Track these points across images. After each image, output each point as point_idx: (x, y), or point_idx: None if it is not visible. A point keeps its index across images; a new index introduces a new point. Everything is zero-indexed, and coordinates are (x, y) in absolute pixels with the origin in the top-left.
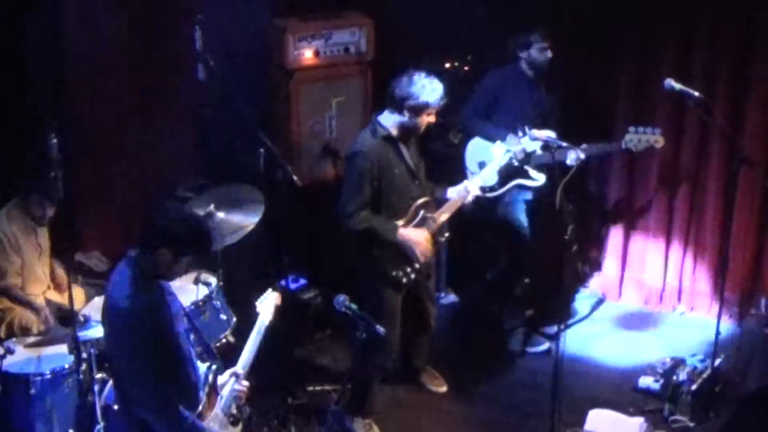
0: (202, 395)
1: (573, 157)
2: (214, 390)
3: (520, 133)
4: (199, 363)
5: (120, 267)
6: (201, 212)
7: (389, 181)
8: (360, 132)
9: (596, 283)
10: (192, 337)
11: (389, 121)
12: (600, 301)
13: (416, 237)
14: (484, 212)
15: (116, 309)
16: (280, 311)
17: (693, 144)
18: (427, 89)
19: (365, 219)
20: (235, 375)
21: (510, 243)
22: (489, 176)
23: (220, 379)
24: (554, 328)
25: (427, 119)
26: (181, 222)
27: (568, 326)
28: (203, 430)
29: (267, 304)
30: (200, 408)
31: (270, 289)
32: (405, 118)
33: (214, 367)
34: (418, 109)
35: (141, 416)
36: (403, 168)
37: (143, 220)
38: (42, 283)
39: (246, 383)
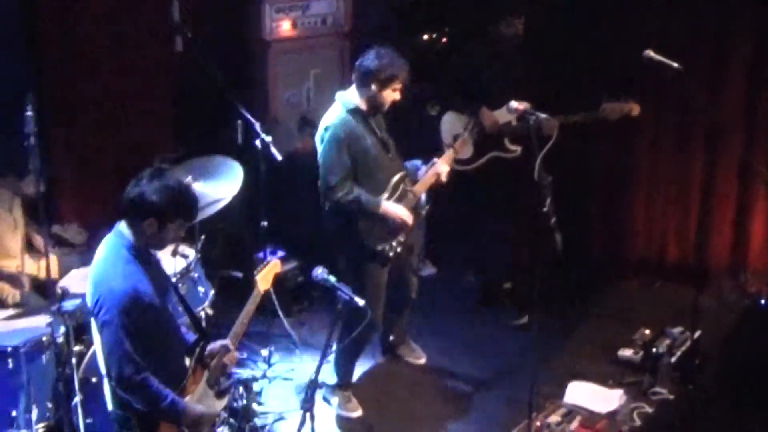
0: (188, 368)
1: (550, 126)
2: (200, 363)
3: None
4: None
5: (108, 239)
6: None
7: (363, 154)
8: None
9: (575, 255)
10: (180, 309)
11: (355, 96)
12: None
13: (399, 210)
14: (460, 185)
15: (96, 282)
16: (288, 289)
17: (673, 115)
18: (393, 63)
19: (351, 189)
20: (224, 347)
21: (488, 215)
22: (463, 149)
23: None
24: (533, 301)
25: (392, 95)
26: (165, 189)
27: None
28: (171, 403)
29: (266, 273)
30: (184, 381)
31: (269, 257)
32: (372, 91)
33: (202, 342)
34: (384, 82)
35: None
36: (376, 141)
37: (125, 192)
38: (15, 257)
39: (236, 354)
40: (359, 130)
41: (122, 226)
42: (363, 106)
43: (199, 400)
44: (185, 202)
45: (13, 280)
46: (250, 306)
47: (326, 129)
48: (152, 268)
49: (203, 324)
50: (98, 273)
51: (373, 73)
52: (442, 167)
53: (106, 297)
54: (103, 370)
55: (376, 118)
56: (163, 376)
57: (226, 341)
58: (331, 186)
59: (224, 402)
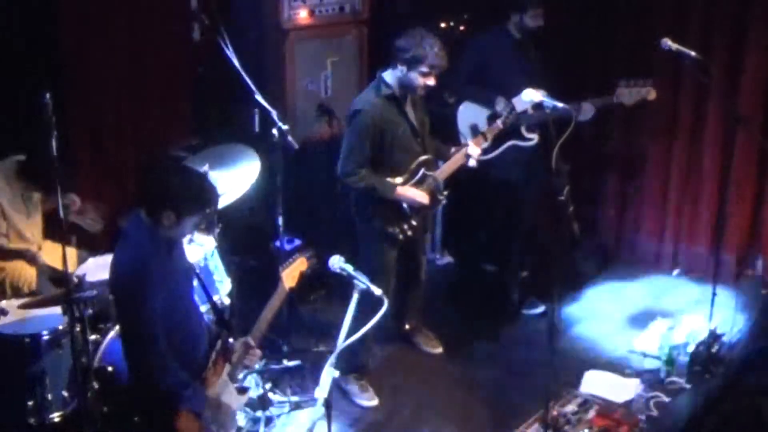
0: (210, 359)
1: (586, 110)
2: (222, 356)
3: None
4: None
5: (129, 226)
6: None
7: (392, 139)
8: (363, 90)
9: (592, 244)
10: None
11: (391, 77)
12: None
13: (414, 195)
14: (479, 173)
15: (116, 266)
16: (272, 265)
17: (690, 103)
18: (423, 44)
19: (364, 177)
20: (246, 344)
21: (505, 204)
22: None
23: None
24: (550, 290)
25: (424, 80)
26: (184, 183)
27: (565, 289)
28: (195, 391)
29: (292, 270)
30: (205, 373)
31: (297, 254)
32: (400, 73)
33: (224, 333)
34: (411, 63)
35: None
36: (406, 126)
37: (142, 182)
38: (30, 245)
39: (258, 352)
40: (390, 116)
41: (142, 214)
42: (397, 89)
43: (221, 393)
44: (204, 196)
45: (30, 258)
46: (275, 302)
47: (356, 112)
48: (173, 256)
49: (225, 315)
50: (120, 260)
51: (399, 51)
52: (472, 150)
53: (127, 283)
54: (124, 356)
55: (411, 100)
56: (184, 365)
57: (248, 338)
58: (346, 172)
59: (246, 398)
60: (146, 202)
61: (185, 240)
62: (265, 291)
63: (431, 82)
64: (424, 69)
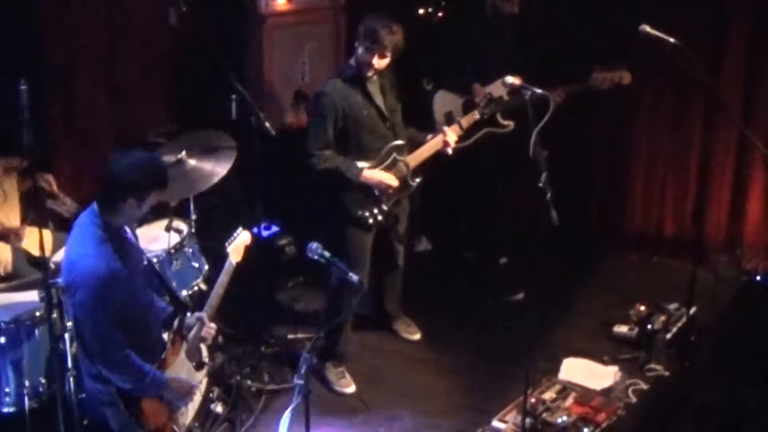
0: (166, 341)
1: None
2: (179, 335)
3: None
4: (160, 306)
5: (82, 219)
6: (173, 158)
7: (356, 121)
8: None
9: (572, 231)
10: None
11: (353, 60)
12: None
13: (382, 178)
14: (456, 159)
15: (70, 262)
16: (250, 252)
17: (670, 91)
18: (375, 23)
19: (327, 159)
20: (200, 319)
21: (483, 191)
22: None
23: (186, 324)
24: (528, 277)
25: (371, 57)
26: (136, 166)
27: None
28: (153, 379)
29: (237, 245)
30: (164, 354)
31: (240, 229)
32: (359, 51)
33: (178, 314)
34: (363, 40)
35: (93, 362)
36: (372, 109)
37: (102, 176)
38: (7, 228)
39: (213, 325)
40: (352, 98)
41: (96, 207)
42: (357, 69)
43: (179, 372)
44: (157, 172)
45: (11, 238)
46: (224, 278)
47: (318, 94)
48: (125, 245)
49: (179, 296)
50: (72, 253)
51: (360, 32)
52: (450, 137)
53: (80, 278)
54: (80, 349)
55: (380, 84)
56: (142, 351)
57: (202, 314)
58: (309, 154)
59: (203, 373)
60: (106, 193)
61: (163, 227)
62: (242, 276)
63: (381, 61)
64: (371, 45)
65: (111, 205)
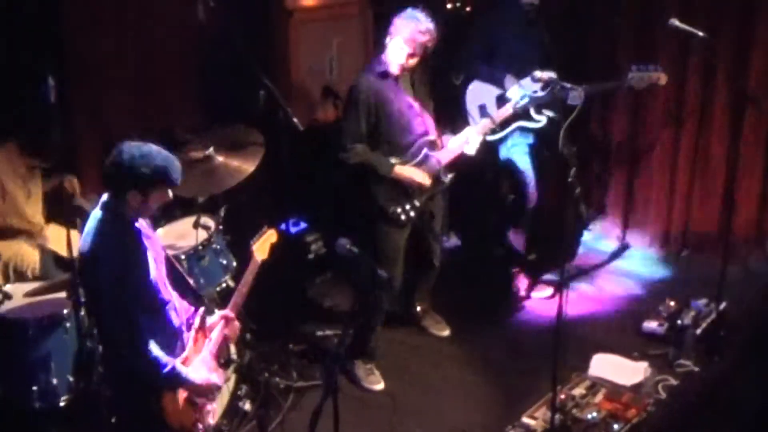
0: (188, 338)
1: (575, 96)
2: (201, 332)
3: (518, 76)
4: (183, 305)
5: (93, 212)
6: (200, 154)
7: (388, 117)
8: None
9: (600, 226)
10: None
11: (385, 55)
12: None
13: (413, 174)
14: (486, 155)
15: (84, 253)
16: (276, 250)
17: (698, 83)
18: (409, 18)
19: (360, 153)
20: (225, 317)
21: (512, 186)
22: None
23: (210, 322)
24: (558, 273)
25: (402, 54)
26: (141, 159)
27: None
28: (173, 371)
29: (262, 243)
30: (186, 352)
31: (265, 227)
32: (388, 48)
33: (201, 310)
34: (393, 36)
35: (113, 354)
36: (404, 104)
37: (105, 165)
38: (31, 225)
39: (237, 324)
40: (384, 93)
41: (107, 199)
42: (388, 64)
43: (200, 370)
44: (162, 167)
45: (32, 237)
46: (249, 276)
47: (352, 89)
48: (134, 236)
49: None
50: (86, 247)
51: (390, 27)
52: (473, 138)
53: (96, 271)
54: (102, 345)
55: (412, 80)
56: (162, 346)
57: (226, 311)
58: (342, 147)
59: (228, 372)
60: (110, 184)
61: (190, 223)
62: (270, 272)
63: (410, 60)
64: (402, 43)
65: (116, 194)
